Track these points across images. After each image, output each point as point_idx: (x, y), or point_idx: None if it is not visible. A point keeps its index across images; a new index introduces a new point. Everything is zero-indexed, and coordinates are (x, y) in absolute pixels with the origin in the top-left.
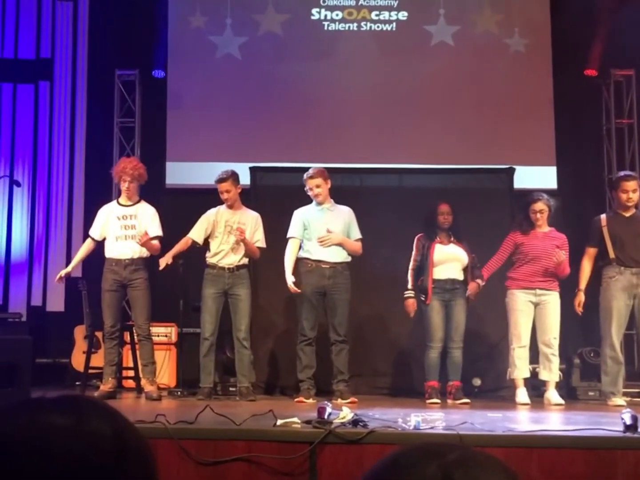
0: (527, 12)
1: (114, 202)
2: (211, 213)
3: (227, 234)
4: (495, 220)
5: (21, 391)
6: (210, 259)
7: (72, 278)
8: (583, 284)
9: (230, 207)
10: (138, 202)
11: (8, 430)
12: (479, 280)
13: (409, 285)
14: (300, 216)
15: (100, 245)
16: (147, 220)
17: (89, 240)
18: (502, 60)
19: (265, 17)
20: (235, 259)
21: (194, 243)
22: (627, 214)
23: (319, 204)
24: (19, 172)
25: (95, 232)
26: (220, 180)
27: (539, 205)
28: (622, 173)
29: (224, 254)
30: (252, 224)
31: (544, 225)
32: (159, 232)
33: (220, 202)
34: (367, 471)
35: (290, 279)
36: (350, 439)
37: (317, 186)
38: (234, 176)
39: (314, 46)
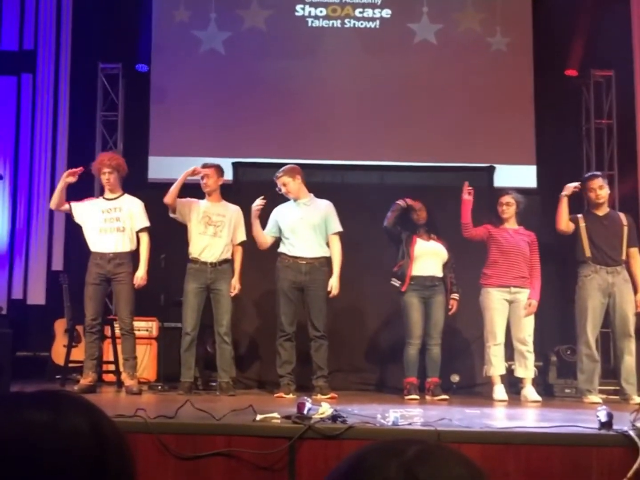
0: (509, 11)
1: (100, 198)
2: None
3: (205, 224)
4: (475, 218)
5: (1, 384)
6: (193, 254)
7: (53, 271)
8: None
9: (209, 194)
10: (122, 195)
11: None
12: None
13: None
14: (274, 215)
15: (83, 239)
16: (136, 212)
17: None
18: (484, 59)
19: (250, 12)
20: (217, 252)
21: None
22: (601, 213)
23: (294, 200)
24: (0, 165)
25: (75, 204)
26: (205, 165)
27: (506, 198)
28: (587, 174)
29: (204, 246)
30: (232, 217)
31: (511, 220)
32: (147, 223)
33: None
34: (327, 477)
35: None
36: (329, 435)
37: (284, 184)
38: (217, 167)
39: (297, 42)
